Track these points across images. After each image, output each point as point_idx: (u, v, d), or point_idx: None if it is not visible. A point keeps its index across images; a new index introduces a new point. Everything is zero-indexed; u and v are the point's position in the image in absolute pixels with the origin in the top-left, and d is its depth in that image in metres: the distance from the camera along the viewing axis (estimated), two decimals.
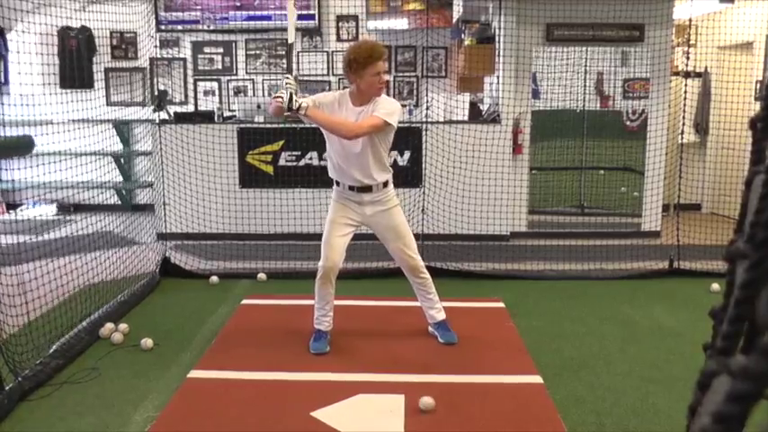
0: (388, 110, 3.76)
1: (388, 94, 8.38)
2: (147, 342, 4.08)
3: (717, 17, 7.34)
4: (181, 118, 7.06)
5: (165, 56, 8.46)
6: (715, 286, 5.13)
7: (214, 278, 5.52)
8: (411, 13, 8.13)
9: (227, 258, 6.09)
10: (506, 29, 6.73)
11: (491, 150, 6.62)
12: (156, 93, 7.87)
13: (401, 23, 8.19)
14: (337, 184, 3.98)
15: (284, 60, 8.40)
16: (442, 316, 4.18)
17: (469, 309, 4.81)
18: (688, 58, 6.37)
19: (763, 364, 0.60)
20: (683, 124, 6.14)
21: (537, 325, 4.53)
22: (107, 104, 8.39)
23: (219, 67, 8.57)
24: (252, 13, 8.27)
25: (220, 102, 8.44)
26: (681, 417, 0.78)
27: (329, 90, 8.16)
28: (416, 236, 5.88)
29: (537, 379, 3.64)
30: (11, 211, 8.19)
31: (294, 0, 4.03)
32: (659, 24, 6.66)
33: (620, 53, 7.16)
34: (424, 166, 6.63)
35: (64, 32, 7.98)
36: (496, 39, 6.94)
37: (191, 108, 8.35)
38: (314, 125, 3.99)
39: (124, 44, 8.46)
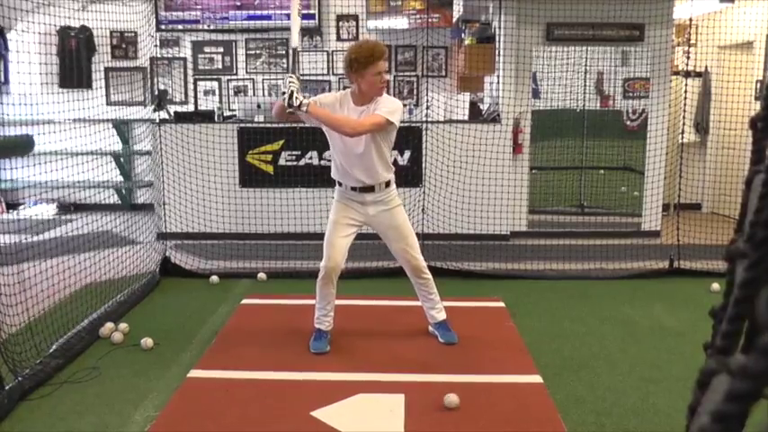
0: (390, 108, 3.76)
1: (388, 94, 8.41)
2: (147, 342, 4.08)
3: (717, 17, 7.34)
4: (181, 117, 7.06)
5: (165, 55, 8.46)
6: (715, 286, 5.13)
7: (214, 278, 5.52)
8: (411, 13, 8.13)
9: (228, 258, 6.09)
10: (506, 28, 6.73)
11: (491, 150, 6.62)
12: (156, 92, 7.87)
13: (401, 23, 8.19)
14: (339, 184, 3.98)
15: (284, 60, 8.41)
16: (442, 316, 4.19)
17: (469, 308, 4.81)
18: (688, 58, 6.36)
19: (762, 364, 0.60)
20: (684, 124, 6.14)
21: (537, 325, 4.53)
22: (107, 104, 8.39)
23: (219, 66, 8.57)
24: (252, 12, 8.27)
25: (220, 101, 8.44)
26: (681, 416, 0.78)
27: (329, 89, 8.18)
28: (417, 235, 5.89)
29: (537, 379, 3.64)
30: (11, 211, 8.19)
31: (299, 7, 4.03)
32: (659, 24, 6.66)
33: (620, 53, 7.16)
34: (424, 165, 6.63)
35: (64, 32, 7.98)
36: (496, 38, 6.93)
37: (191, 108, 8.35)
38: (315, 125, 3.99)
39: (124, 44, 8.46)
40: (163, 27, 8.33)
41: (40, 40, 6.89)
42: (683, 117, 6.09)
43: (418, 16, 8.04)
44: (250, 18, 8.28)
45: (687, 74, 6.44)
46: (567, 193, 7.54)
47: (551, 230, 7.09)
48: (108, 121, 7.94)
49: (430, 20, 7.72)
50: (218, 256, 6.13)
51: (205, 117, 7.21)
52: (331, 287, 3.99)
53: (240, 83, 8.58)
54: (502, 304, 4.90)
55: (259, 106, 7.12)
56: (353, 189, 3.91)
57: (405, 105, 8.20)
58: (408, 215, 6.14)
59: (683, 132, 6.16)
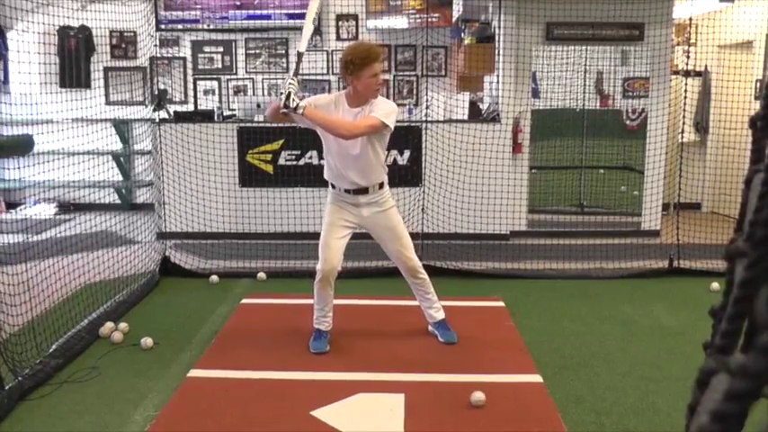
0: (386, 111, 3.76)
1: (387, 94, 8.42)
2: (147, 341, 4.08)
3: (717, 16, 7.34)
4: (181, 117, 7.06)
5: (164, 55, 8.46)
6: (715, 285, 5.13)
7: (214, 277, 5.52)
8: (411, 12, 8.13)
9: (227, 258, 6.09)
10: (506, 28, 6.73)
11: (491, 149, 6.62)
12: (155, 92, 7.87)
13: (401, 22, 8.19)
14: (333, 186, 3.98)
15: (284, 60, 8.41)
16: (441, 315, 4.19)
17: (469, 308, 4.81)
18: (688, 57, 6.36)
19: (761, 363, 0.60)
20: (683, 123, 6.14)
21: (537, 324, 4.53)
22: (107, 104, 8.39)
23: (219, 66, 8.57)
24: (252, 12, 8.27)
25: (220, 101, 8.45)
26: (680, 416, 0.78)
27: (329, 89, 8.18)
28: (416, 235, 5.90)
29: (537, 378, 3.64)
30: (11, 211, 8.19)
31: (315, 13, 4.02)
32: (659, 23, 6.66)
33: (619, 52, 7.16)
34: (423, 165, 6.62)
35: (63, 32, 7.98)
36: (496, 38, 6.93)
37: (190, 107, 8.35)
38: (307, 126, 3.97)
39: (124, 43, 8.46)
40: (162, 27, 8.33)
41: (39, 40, 6.90)
42: (683, 116, 6.10)
43: (418, 16, 8.04)
44: (250, 18, 8.28)
45: (687, 73, 6.44)
46: (566, 192, 7.54)
47: (551, 230, 7.09)
48: (108, 120, 7.94)
49: (429, 19, 7.72)
50: (217, 255, 6.12)
51: (205, 117, 7.21)
52: (329, 289, 3.99)
53: (240, 82, 8.58)
54: (501, 304, 4.91)
55: (259, 106, 7.12)
56: (347, 191, 3.91)
57: (405, 105, 8.24)
58: (408, 215, 6.21)
59: (682, 132, 6.16)
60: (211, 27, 8.36)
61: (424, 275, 4.12)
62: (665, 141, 6.92)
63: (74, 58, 8.16)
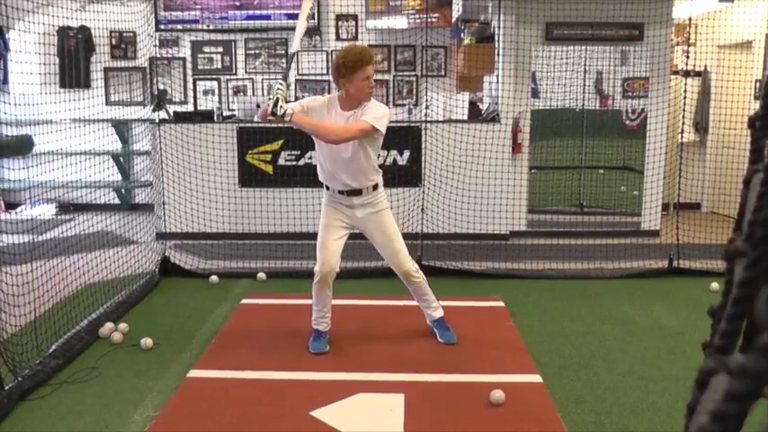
0: (377, 115, 3.74)
1: (387, 94, 8.43)
2: (147, 342, 4.08)
3: (716, 16, 7.34)
4: (180, 117, 7.06)
5: (164, 55, 8.46)
6: (714, 285, 5.13)
7: (214, 278, 5.52)
8: (410, 13, 8.13)
9: (227, 258, 6.09)
10: (506, 28, 6.73)
11: (490, 150, 6.62)
12: (155, 92, 7.86)
13: (400, 22, 8.19)
14: (327, 188, 3.98)
15: (284, 60, 8.40)
16: (439, 314, 4.17)
17: (469, 308, 4.81)
18: (688, 57, 6.36)
19: (761, 363, 0.60)
20: (683, 123, 6.14)
21: (536, 324, 4.53)
22: (106, 104, 8.39)
23: (219, 66, 8.57)
24: (251, 12, 8.27)
25: (220, 101, 8.44)
26: (680, 416, 0.78)
27: (328, 89, 8.18)
28: (416, 235, 5.90)
29: (537, 378, 3.64)
30: (10, 211, 8.19)
31: (309, 11, 4.00)
32: (659, 23, 6.66)
33: (619, 52, 7.16)
34: (423, 165, 6.62)
35: (63, 32, 7.98)
36: (496, 38, 6.93)
37: (190, 107, 8.35)
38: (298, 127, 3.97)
39: (123, 44, 8.45)
40: (162, 27, 8.33)
41: (39, 40, 6.89)
42: (683, 116, 6.09)
43: (417, 16, 8.04)
44: (249, 18, 8.28)
45: (686, 73, 6.44)
46: (566, 192, 7.54)
47: (551, 230, 7.09)
48: (107, 120, 7.93)
49: (429, 19, 7.71)
50: (217, 255, 6.12)
51: (204, 117, 7.20)
52: (327, 290, 3.99)
53: (239, 83, 8.58)
54: (501, 304, 4.91)
55: (258, 106, 7.10)
56: (341, 193, 3.91)
57: (404, 105, 8.25)
58: (408, 215, 6.21)
59: (682, 132, 6.16)
60: (211, 27, 8.36)
61: (419, 277, 4.08)
62: (664, 141, 6.92)
63: (74, 59, 8.15)
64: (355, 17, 8.29)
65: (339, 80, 3.76)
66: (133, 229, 6.19)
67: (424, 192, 6.52)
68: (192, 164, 6.80)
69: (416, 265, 4.14)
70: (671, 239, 6.12)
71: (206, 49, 8.53)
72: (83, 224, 5.36)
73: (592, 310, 4.84)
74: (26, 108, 4.91)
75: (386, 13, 8.19)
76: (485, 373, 3.72)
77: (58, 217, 7.90)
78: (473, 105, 7.77)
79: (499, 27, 6.82)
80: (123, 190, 8.56)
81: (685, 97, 6.07)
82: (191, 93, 8.60)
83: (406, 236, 4.16)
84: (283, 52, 8.46)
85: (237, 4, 8.25)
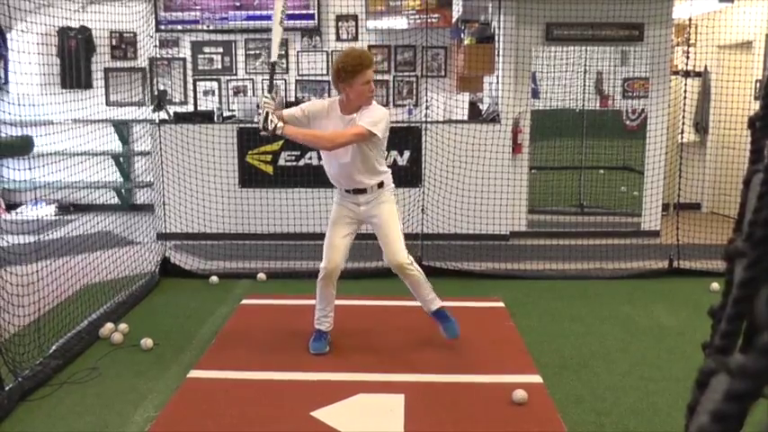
0: (374, 119, 3.70)
1: (387, 94, 8.43)
2: (147, 342, 4.08)
3: (716, 16, 7.33)
4: (180, 118, 7.06)
5: (164, 56, 8.46)
6: (714, 285, 5.13)
7: (214, 278, 5.52)
8: (410, 13, 8.13)
9: (227, 258, 6.09)
10: (506, 28, 6.73)
11: (491, 150, 6.62)
12: (155, 93, 7.87)
13: (401, 23, 8.19)
14: (334, 186, 4.02)
15: (284, 60, 8.40)
16: (437, 304, 4.02)
17: (469, 308, 4.80)
18: (688, 58, 6.36)
19: (761, 363, 0.60)
20: (683, 123, 6.14)
21: (537, 324, 4.53)
22: (106, 104, 8.39)
23: (219, 66, 8.57)
24: (251, 12, 8.27)
25: (220, 102, 8.44)
26: (680, 416, 0.78)
27: (328, 90, 8.18)
28: (416, 236, 5.90)
29: (537, 378, 3.64)
30: (10, 212, 8.19)
31: (282, 14, 3.96)
32: (659, 24, 6.66)
33: (619, 52, 7.16)
34: (423, 165, 6.62)
35: (63, 32, 7.98)
36: (496, 38, 6.93)
37: (190, 108, 8.35)
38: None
39: (123, 44, 8.45)
40: (162, 27, 8.33)
41: (40, 41, 6.89)
42: (683, 117, 6.10)
43: (418, 16, 8.04)
44: (249, 18, 8.28)
45: (686, 74, 6.44)
46: (566, 192, 7.54)
47: (551, 230, 7.09)
48: (107, 121, 7.93)
49: (429, 20, 7.71)
50: (217, 256, 6.12)
51: (205, 117, 7.20)
52: (331, 288, 3.99)
53: (240, 83, 8.58)
54: (501, 304, 4.91)
55: (258, 106, 7.10)
56: (347, 191, 3.94)
57: (404, 106, 8.25)
58: (408, 215, 6.20)
59: (682, 132, 6.16)
60: (211, 28, 8.36)
61: (413, 272, 3.95)
62: (664, 142, 6.92)
63: (74, 59, 8.15)
64: (355, 17, 8.29)
65: (339, 84, 3.75)
66: (134, 230, 6.20)
67: (424, 192, 6.52)
68: (193, 164, 6.80)
69: (412, 259, 4.00)
70: (671, 240, 6.12)
71: (206, 49, 8.53)
72: (83, 225, 5.36)
73: (592, 310, 4.84)
74: (26, 108, 4.91)
75: (386, 14, 8.20)
76: (485, 373, 3.72)
77: (59, 217, 7.91)
78: (473, 106, 7.77)
79: (499, 27, 6.82)
80: (123, 190, 8.56)
81: (685, 97, 6.07)
82: (191, 93, 8.60)
83: (406, 236, 4.14)
84: (283, 52, 8.46)
85: (237, 4, 8.26)
